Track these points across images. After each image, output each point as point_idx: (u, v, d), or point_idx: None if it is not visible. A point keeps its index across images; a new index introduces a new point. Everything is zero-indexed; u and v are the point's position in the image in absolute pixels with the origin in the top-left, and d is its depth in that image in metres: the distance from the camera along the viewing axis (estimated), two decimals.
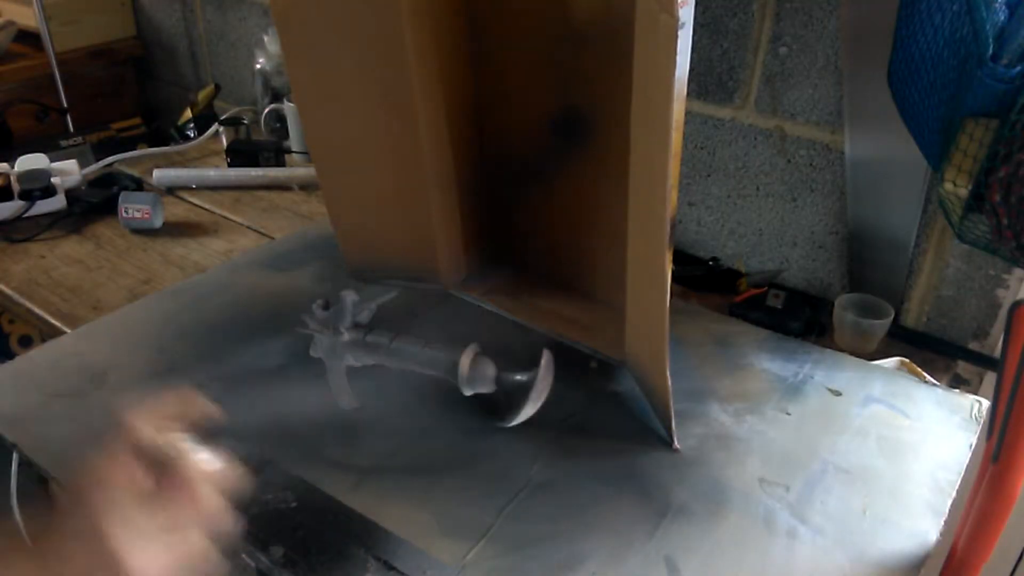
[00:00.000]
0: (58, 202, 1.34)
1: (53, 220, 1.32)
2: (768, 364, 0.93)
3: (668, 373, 0.76)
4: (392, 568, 0.66)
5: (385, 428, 0.83)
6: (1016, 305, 0.60)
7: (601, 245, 0.98)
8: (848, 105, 0.97)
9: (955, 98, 0.72)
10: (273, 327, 0.97)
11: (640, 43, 0.70)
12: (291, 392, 0.87)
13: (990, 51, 0.67)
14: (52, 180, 1.32)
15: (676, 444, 0.80)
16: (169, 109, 1.89)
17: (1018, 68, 0.67)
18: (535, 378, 0.79)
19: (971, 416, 0.86)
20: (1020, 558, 1.07)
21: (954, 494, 0.76)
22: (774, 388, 0.89)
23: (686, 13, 0.59)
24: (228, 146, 1.52)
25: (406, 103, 0.91)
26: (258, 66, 1.62)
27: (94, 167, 1.50)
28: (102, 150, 1.57)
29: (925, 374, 0.94)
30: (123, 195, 1.29)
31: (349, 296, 0.88)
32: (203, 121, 1.67)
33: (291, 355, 0.92)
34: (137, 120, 1.72)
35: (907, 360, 0.96)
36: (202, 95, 1.70)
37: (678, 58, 0.60)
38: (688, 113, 1.13)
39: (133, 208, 1.27)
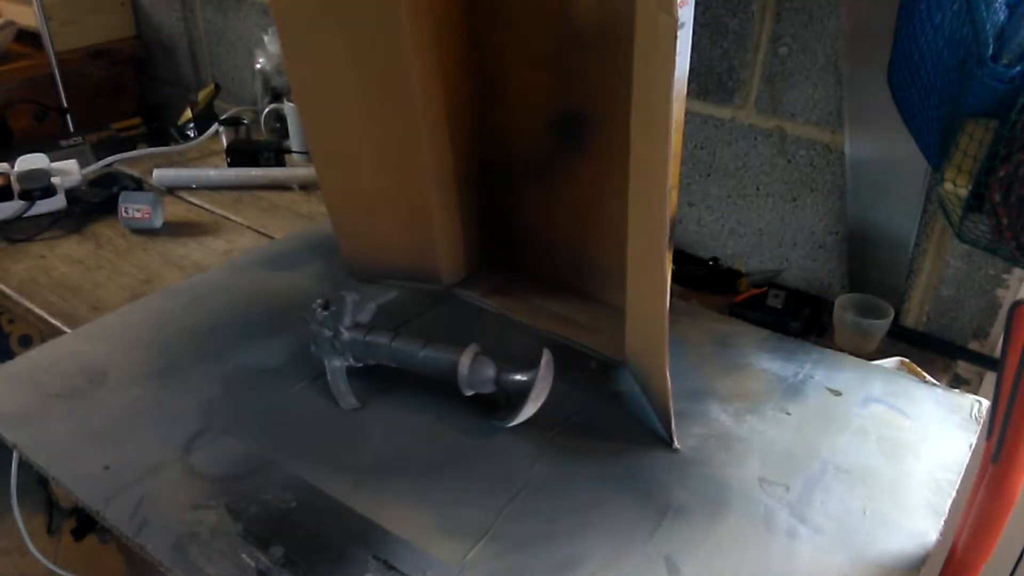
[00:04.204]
0: (58, 202, 1.34)
1: (53, 220, 1.32)
2: (768, 364, 0.93)
3: (668, 373, 0.76)
4: (392, 568, 0.66)
5: (385, 428, 0.83)
6: (1016, 305, 0.60)
7: (601, 245, 0.99)
8: (848, 105, 0.97)
9: (955, 98, 0.72)
10: (273, 327, 0.97)
11: (640, 43, 0.70)
12: (291, 392, 0.87)
13: (990, 51, 0.67)
14: (52, 180, 1.32)
15: (676, 444, 0.80)
16: (169, 109, 1.89)
17: (1018, 68, 0.67)
18: (535, 378, 0.79)
19: (971, 416, 0.86)
20: (1020, 558, 1.07)
21: (954, 494, 0.76)
22: (774, 388, 0.89)
23: (686, 13, 0.59)
24: (228, 146, 1.52)
25: (406, 102, 0.91)
26: (258, 66, 1.62)
27: (94, 167, 1.50)
28: (102, 150, 1.57)
29: (925, 374, 0.94)
30: (123, 195, 1.29)
31: (349, 296, 0.88)
32: (203, 121, 1.67)
33: (291, 355, 0.92)
34: (137, 120, 1.72)
35: (907, 360, 0.96)
36: (202, 95, 1.70)
37: (678, 58, 0.60)
38: (688, 113, 1.13)
39: (133, 208, 1.27)
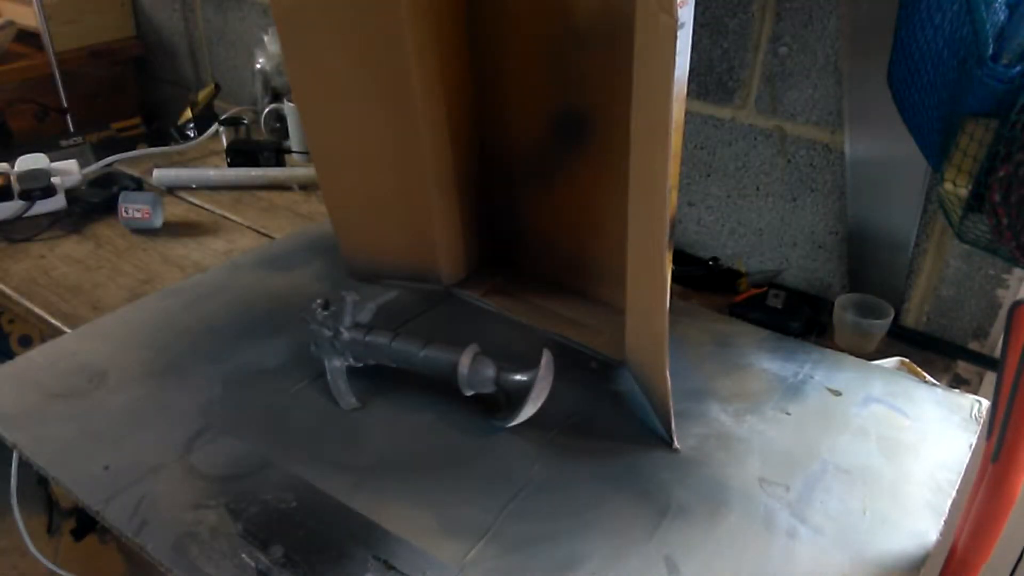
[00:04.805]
0: (58, 202, 1.34)
1: (53, 220, 1.32)
2: (768, 364, 0.93)
3: (668, 373, 0.76)
4: (392, 568, 0.66)
5: (385, 428, 0.83)
6: (1016, 305, 0.60)
7: (601, 245, 0.99)
8: (848, 105, 0.97)
9: (955, 98, 0.72)
10: (273, 327, 0.97)
11: (640, 43, 0.70)
12: (291, 392, 0.87)
13: (990, 51, 0.67)
14: (52, 180, 1.32)
15: (676, 444, 0.80)
16: (169, 109, 1.89)
17: (1018, 68, 0.67)
18: (535, 378, 0.79)
19: (971, 416, 0.86)
20: (1020, 558, 1.07)
21: (954, 494, 0.76)
22: (774, 388, 0.89)
23: (686, 13, 0.59)
24: (228, 146, 1.52)
25: (406, 103, 0.91)
26: (258, 66, 1.62)
27: (94, 167, 1.50)
28: (102, 150, 1.57)
29: (925, 374, 0.94)
30: (123, 195, 1.29)
31: (349, 296, 0.88)
32: (203, 121, 1.67)
33: (291, 355, 0.92)
34: (137, 120, 1.72)
35: (907, 360, 0.96)
36: (202, 95, 1.70)
37: (678, 58, 0.60)
38: (688, 113, 1.13)
39: (133, 208, 1.27)
